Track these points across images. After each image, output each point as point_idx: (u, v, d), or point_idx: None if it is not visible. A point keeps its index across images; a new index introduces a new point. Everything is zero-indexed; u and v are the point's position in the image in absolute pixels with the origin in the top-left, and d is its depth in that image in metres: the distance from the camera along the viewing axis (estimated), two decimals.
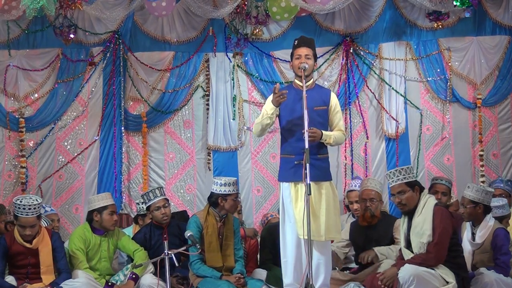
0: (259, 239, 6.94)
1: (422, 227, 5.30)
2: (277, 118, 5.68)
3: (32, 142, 7.97)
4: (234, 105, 8.25)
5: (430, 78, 8.42)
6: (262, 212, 8.11)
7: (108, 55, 8.10)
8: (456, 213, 6.82)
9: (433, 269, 5.22)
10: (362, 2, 8.26)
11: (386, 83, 8.37)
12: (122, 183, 8.09)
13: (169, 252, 5.06)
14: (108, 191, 7.60)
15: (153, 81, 8.19)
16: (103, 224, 6.21)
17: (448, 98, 8.41)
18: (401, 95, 8.36)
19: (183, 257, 6.29)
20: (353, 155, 8.38)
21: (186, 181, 8.25)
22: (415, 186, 5.45)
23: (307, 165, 5.07)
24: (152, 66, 8.17)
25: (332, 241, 6.02)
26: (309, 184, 5.04)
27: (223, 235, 6.19)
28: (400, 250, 5.58)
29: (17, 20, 7.66)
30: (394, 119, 8.32)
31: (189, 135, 8.30)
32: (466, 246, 5.93)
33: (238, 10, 7.88)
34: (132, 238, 6.44)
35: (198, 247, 5.41)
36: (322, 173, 5.53)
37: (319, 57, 7.51)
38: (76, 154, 8.03)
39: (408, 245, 5.43)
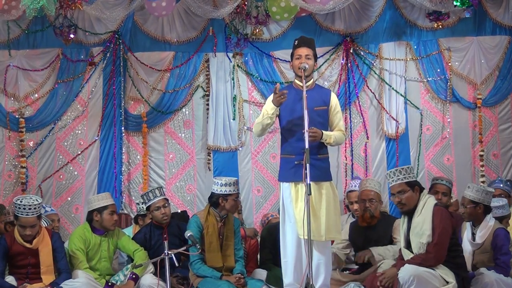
0: (259, 239, 6.95)
1: (421, 227, 5.29)
2: (277, 118, 5.68)
3: (32, 142, 7.97)
4: (234, 105, 8.25)
5: (430, 78, 8.42)
6: (262, 212, 8.11)
7: (108, 55, 8.10)
8: (456, 213, 6.81)
9: (433, 269, 5.22)
10: (362, 2, 8.26)
11: (386, 83, 8.37)
12: (122, 183, 8.09)
13: (169, 252, 5.06)
14: (108, 191, 7.60)
15: (153, 81, 8.19)
16: (103, 224, 6.21)
17: (448, 98, 8.41)
18: (401, 95, 8.36)
19: (184, 257, 6.29)
20: (353, 155, 8.37)
21: (186, 181, 8.25)
22: (415, 186, 5.45)
23: (307, 165, 5.08)
24: (152, 66, 8.17)
25: (332, 242, 6.03)
26: (309, 184, 5.04)
27: (223, 235, 6.19)
28: (400, 250, 5.58)
29: (17, 20, 7.66)
30: (394, 119, 8.32)
31: (189, 135, 8.30)
32: (466, 246, 5.93)
33: (238, 10, 7.88)
34: (132, 238, 6.44)
35: (198, 247, 5.40)
36: (322, 173, 5.53)
37: (319, 57, 7.50)
38: (76, 154, 8.03)
39: (408, 245, 5.43)
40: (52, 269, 5.96)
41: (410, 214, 5.44)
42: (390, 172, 5.55)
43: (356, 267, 6.33)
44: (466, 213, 5.98)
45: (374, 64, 8.40)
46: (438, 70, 8.42)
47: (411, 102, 8.41)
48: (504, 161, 8.46)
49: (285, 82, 8.13)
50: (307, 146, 5.18)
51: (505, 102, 8.48)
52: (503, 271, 5.70)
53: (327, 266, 5.55)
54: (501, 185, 7.11)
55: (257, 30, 8.10)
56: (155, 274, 5.99)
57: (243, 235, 6.63)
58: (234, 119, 8.24)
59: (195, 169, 8.27)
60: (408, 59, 8.42)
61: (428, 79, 8.42)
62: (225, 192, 6.13)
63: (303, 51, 5.59)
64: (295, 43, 5.69)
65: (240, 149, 8.29)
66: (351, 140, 8.35)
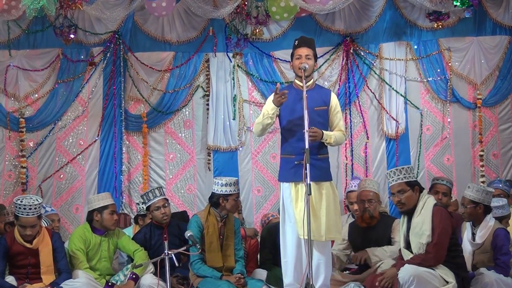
0: (259, 239, 6.95)
1: (421, 227, 5.30)
2: (277, 118, 5.68)
3: (32, 142, 7.97)
4: (234, 105, 8.25)
5: (430, 78, 8.42)
6: (263, 212, 8.11)
7: (108, 55, 8.10)
8: (456, 213, 6.82)
9: (433, 269, 5.22)
10: (362, 2, 8.26)
11: (386, 83, 8.37)
12: (122, 183, 8.09)
13: (169, 252, 5.06)
14: (108, 191, 7.59)
15: (154, 81, 8.20)
16: (103, 223, 6.21)
17: (448, 98, 8.41)
18: (401, 95, 8.36)
19: (184, 257, 6.29)
20: (353, 155, 8.38)
21: (186, 181, 8.25)
22: (415, 186, 5.45)
23: (307, 165, 5.08)
24: (152, 66, 8.18)
25: (332, 242, 6.03)
26: (309, 184, 5.04)
27: (223, 235, 6.19)
28: (400, 250, 5.58)
29: (18, 20, 7.66)
30: (394, 119, 8.32)
31: (189, 135, 8.30)
32: (466, 246, 5.93)
33: (238, 10, 7.88)
34: (132, 238, 6.44)
35: (198, 247, 5.41)
36: (322, 173, 5.54)
37: (319, 57, 7.50)
38: (76, 154, 8.03)
39: (408, 246, 5.43)
40: (52, 269, 5.96)
41: (409, 214, 5.44)
42: (390, 171, 5.55)
43: (356, 267, 6.32)
44: (466, 213, 5.98)
45: (374, 64, 8.40)
46: (438, 70, 8.42)
47: (411, 102, 8.41)
48: (504, 161, 8.46)
49: (285, 82, 8.13)
50: (307, 146, 5.18)
51: (505, 102, 8.48)
52: (503, 271, 5.70)
53: (327, 266, 5.55)
54: (500, 185, 7.12)
55: (257, 30, 8.10)
56: (155, 274, 5.99)
57: (243, 235, 6.63)
58: (234, 119, 8.24)
59: (195, 169, 8.27)
60: (408, 59, 8.42)
61: (428, 79, 8.42)
62: (226, 192, 6.14)
63: (303, 51, 5.59)
64: (295, 43, 5.69)
65: (240, 149, 8.29)
66: (351, 140, 8.36)
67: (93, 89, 8.11)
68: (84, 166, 8.07)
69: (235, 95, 8.26)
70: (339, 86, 8.36)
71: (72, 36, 7.74)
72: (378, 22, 8.35)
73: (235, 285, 5.91)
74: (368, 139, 8.38)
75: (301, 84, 5.52)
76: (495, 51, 8.42)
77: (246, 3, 7.86)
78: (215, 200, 6.19)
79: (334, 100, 5.72)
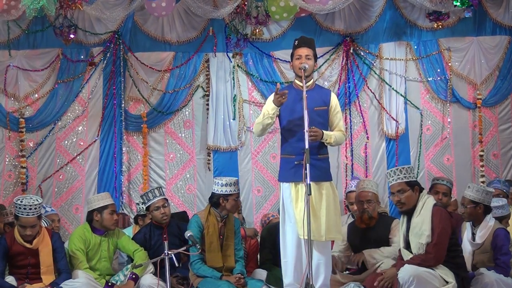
0: (259, 239, 6.94)
1: (421, 227, 5.30)
2: (277, 118, 5.68)
3: (32, 142, 7.97)
4: (234, 105, 8.25)
5: (430, 78, 8.42)
6: (262, 212, 8.11)
7: (108, 55, 8.10)
8: (455, 213, 6.82)
9: (432, 269, 5.22)
10: (362, 2, 8.26)
11: (386, 83, 8.37)
12: (122, 183, 8.09)
13: (169, 252, 5.06)
14: (108, 191, 7.59)
15: (153, 81, 8.19)
16: (103, 223, 6.21)
17: (448, 98, 8.41)
18: (401, 95, 8.36)
19: (184, 257, 6.29)
20: (353, 155, 8.37)
21: (186, 181, 8.25)
22: (414, 186, 5.45)
23: (307, 165, 5.08)
24: (152, 66, 8.17)
25: (332, 242, 6.03)
26: (309, 184, 5.04)
27: (224, 235, 6.19)
28: (399, 250, 5.58)
29: (17, 20, 7.66)
30: (394, 119, 8.32)
31: (189, 135, 8.30)
32: (466, 246, 5.93)
33: (238, 10, 7.87)
34: (132, 238, 6.44)
35: (198, 247, 5.41)
36: (322, 173, 5.54)
37: (319, 57, 7.51)
38: (76, 154, 8.03)
39: (407, 246, 5.43)
40: (52, 269, 5.96)
41: (409, 214, 5.44)
42: (390, 171, 5.55)
43: (356, 267, 6.32)
44: (466, 213, 5.98)
45: (374, 64, 8.40)
46: (438, 70, 8.42)
47: (411, 102, 8.41)
48: (504, 161, 8.46)
49: (285, 82, 8.13)
50: (307, 146, 5.18)
51: (505, 102, 8.48)
52: (503, 271, 5.70)
53: (327, 266, 5.55)
54: (499, 185, 7.12)
55: (257, 30, 8.10)
56: (155, 274, 5.99)
57: (243, 235, 6.63)
58: (234, 119, 8.24)
59: (195, 169, 8.27)
60: (408, 59, 8.42)
61: (428, 79, 8.42)
62: (226, 192, 6.14)
63: (303, 51, 5.59)
64: (295, 43, 5.69)
65: (240, 149, 8.29)
66: (351, 140, 8.36)
67: (93, 89, 8.11)
68: (84, 166, 8.07)
69: (235, 95, 8.26)
70: (339, 86, 8.36)
71: (72, 36, 7.74)
72: (378, 22, 8.35)
73: (235, 285, 5.91)
74: (368, 139, 8.38)
75: (301, 84, 5.52)
76: (495, 51, 8.42)
77: (246, 3, 7.86)
78: (215, 200, 6.19)
79: (334, 100, 5.72)
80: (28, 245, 5.87)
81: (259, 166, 8.31)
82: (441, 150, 8.44)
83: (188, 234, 5.45)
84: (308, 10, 7.80)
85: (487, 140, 8.45)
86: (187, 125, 8.31)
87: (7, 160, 7.88)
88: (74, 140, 8.07)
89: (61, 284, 5.81)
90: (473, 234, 5.97)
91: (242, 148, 8.30)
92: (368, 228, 6.18)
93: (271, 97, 5.57)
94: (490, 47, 8.42)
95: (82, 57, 8.08)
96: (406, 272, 5.17)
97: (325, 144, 5.58)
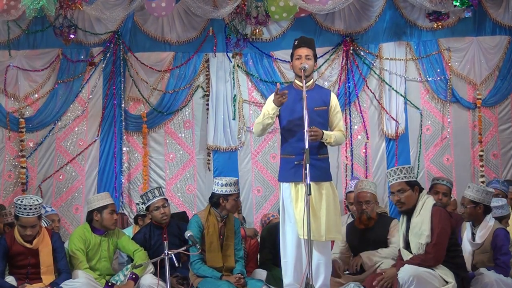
0: (259, 239, 6.94)
1: (420, 227, 5.30)
2: (277, 118, 5.68)
3: (32, 142, 7.97)
4: (234, 105, 8.25)
5: (430, 78, 8.42)
6: (262, 212, 8.11)
7: (108, 55, 8.10)
8: (455, 213, 6.82)
9: (432, 269, 5.22)
10: (362, 2, 8.26)
11: (386, 83, 8.37)
12: (122, 183, 8.09)
13: (169, 252, 5.06)
14: (108, 191, 7.59)
15: (153, 81, 8.20)
16: (103, 223, 6.21)
17: (448, 98, 8.41)
18: (401, 95, 8.36)
19: (184, 257, 6.29)
20: (353, 155, 8.37)
21: (186, 181, 8.25)
22: (414, 186, 5.45)
23: (307, 165, 5.08)
24: (152, 66, 8.18)
25: (332, 242, 6.03)
26: (309, 184, 5.04)
27: (224, 235, 6.19)
28: (399, 250, 5.58)
29: (17, 20, 7.66)
30: (394, 119, 8.32)
31: (189, 135, 8.30)
32: (466, 246, 5.93)
33: (238, 10, 7.87)
34: (132, 238, 6.45)
35: (198, 247, 5.41)
36: (322, 173, 5.54)
37: (319, 57, 7.51)
38: (76, 154, 8.03)
39: (407, 246, 5.43)
40: (52, 269, 5.96)
41: (408, 214, 5.45)
42: (390, 170, 5.55)
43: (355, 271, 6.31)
44: (466, 213, 5.98)
45: (374, 64, 8.40)
46: (438, 70, 8.42)
47: (411, 102, 8.41)
48: (504, 161, 8.46)
49: (285, 82, 8.13)
50: (307, 146, 5.18)
51: (505, 102, 8.48)
52: (503, 271, 5.70)
53: (327, 266, 5.55)
54: (498, 185, 7.12)
55: (257, 30, 8.10)
56: (155, 274, 5.99)
57: (243, 235, 6.63)
58: (234, 119, 8.24)
59: (195, 169, 8.27)
60: (408, 59, 8.42)
61: (428, 79, 8.42)
62: (226, 192, 6.14)
63: (303, 51, 5.59)
64: (295, 43, 5.69)
65: (240, 149, 8.29)
66: (351, 140, 8.36)
67: (93, 89, 8.11)
68: (84, 166, 8.07)
69: (235, 95, 8.26)
70: (339, 86, 8.36)
71: (72, 36, 7.74)
72: (378, 22, 8.35)
73: (235, 285, 5.91)
74: (368, 139, 8.38)
75: (301, 84, 5.52)
76: (495, 51, 8.42)
77: (245, 3, 7.86)
78: (215, 200, 6.19)
79: (334, 100, 5.72)
80: (28, 245, 5.87)
81: (259, 166, 8.31)
82: (441, 150, 8.44)
83: (188, 234, 5.45)
84: (308, 10, 7.80)
85: (487, 140, 8.45)
86: (187, 125, 8.31)
87: (7, 160, 7.88)
88: (74, 140, 8.07)
89: (61, 284, 5.82)
90: (473, 234, 5.97)
91: (242, 148, 8.30)
92: (367, 228, 6.18)
93: (271, 97, 5.57)
94: (490, 47, 8.42)
95: (82, 57, 8.08)
96: (406, 272, 5.17)
97: (325, 144, 5.59)
